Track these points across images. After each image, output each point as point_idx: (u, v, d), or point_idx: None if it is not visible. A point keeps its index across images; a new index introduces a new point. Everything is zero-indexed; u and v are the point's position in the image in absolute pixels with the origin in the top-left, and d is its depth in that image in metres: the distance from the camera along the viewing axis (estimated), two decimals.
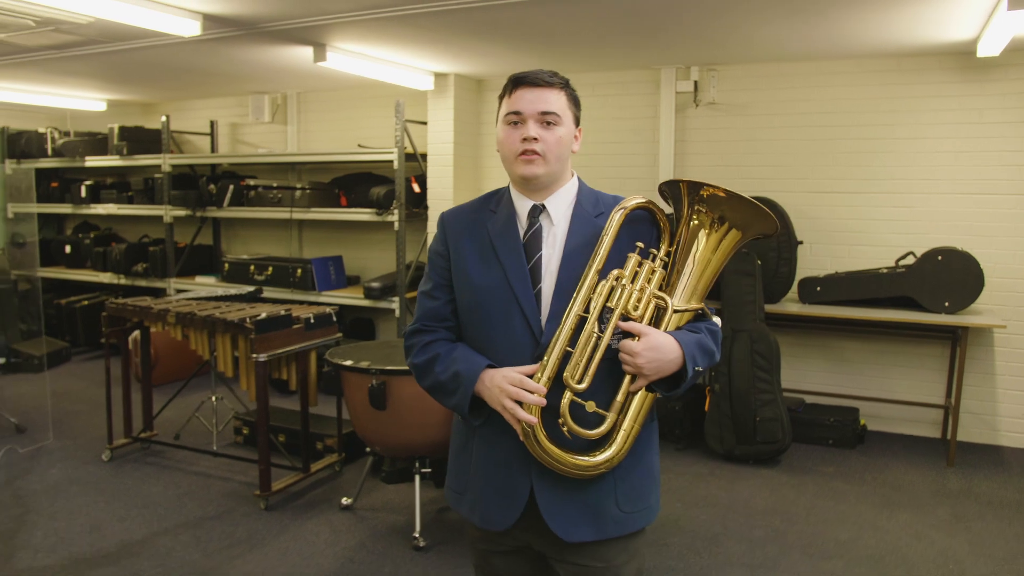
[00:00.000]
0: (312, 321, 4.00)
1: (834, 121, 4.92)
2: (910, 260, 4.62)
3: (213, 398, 4.65)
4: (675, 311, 1.60)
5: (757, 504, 3.89)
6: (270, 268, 5.99)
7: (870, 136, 4.85)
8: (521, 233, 1.68)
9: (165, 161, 6.58)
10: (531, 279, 1.64)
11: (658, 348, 1.52)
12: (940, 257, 4.48)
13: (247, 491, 3.95)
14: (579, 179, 1.75)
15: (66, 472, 4.20)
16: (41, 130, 7.53)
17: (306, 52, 4.65)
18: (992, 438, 4.76)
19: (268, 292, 5.81)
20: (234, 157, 6.66)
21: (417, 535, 3.38)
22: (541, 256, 1.65)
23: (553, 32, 4.27)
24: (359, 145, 5.80)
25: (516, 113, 1.62)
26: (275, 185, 6.13)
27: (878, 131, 4.83)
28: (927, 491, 4.07)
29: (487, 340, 1.67)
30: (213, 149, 7.05)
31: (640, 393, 1.59)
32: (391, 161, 5.42)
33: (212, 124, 7.04)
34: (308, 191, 5.92)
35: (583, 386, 1.55)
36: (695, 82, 5.21)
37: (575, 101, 1.70)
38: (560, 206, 1.69)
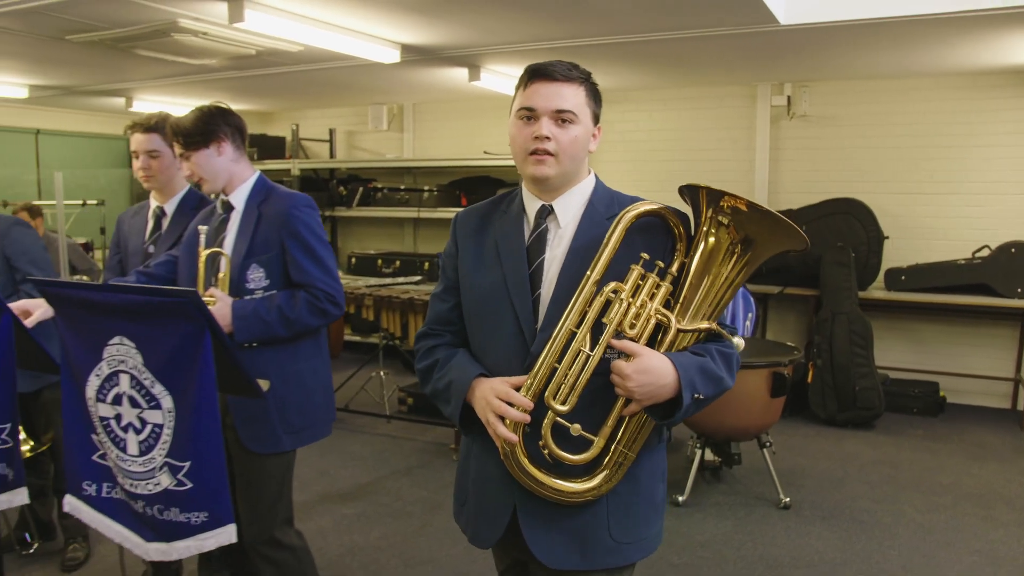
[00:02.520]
0: None
1: (915, 131, 5.63)
2: (985, 252, 5.33)
3: (382, 372, 5.39)
4: (680, 330, 1.49)
5: (866, 456, 4.61)
6: (398, 262, 6.72)
7: (947, 144, 5.56)
8: (527, 235, 1.61)
9: (295, 165, 7.33)
10: (531, 284, 1.56)
11: (650, 371, 1.41)
12: (1013, 250, 5.19)
13: (437, 448, 4.68)
14: (596, 179, 1.65)
15: None
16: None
17: (461, 73, 5.38)
18: None
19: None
20: (360, 162, 7.42)
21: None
22: (544, 260, 1.57)
23: (668, 54, 4.96)
24: (485, 152, 6.53)
25: (529, 108, 1.53)
26: (402, 187, 6.87)
27: (954, 139, 5.54)
28: (1007, 448, 4.78)
29: (483, 346, 1.62)
30: (331, 154, 7.80)
31: (638, 417, 1.49)
32: (513, 166, 6.14)
33: (331, 132, 7.79)
34: (435, 192, 6.66)
35: (565, 408, 1.46)
36: (788, 97, 5.92)
37: (595, 97, 1.59)
38: (570, 208, 1.60)
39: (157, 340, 1.79)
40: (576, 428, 1.47)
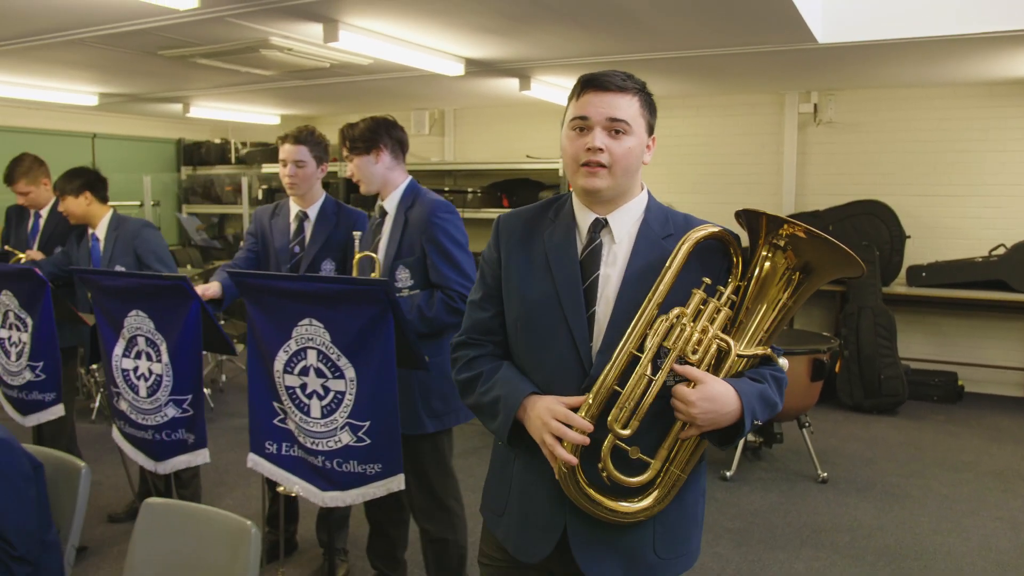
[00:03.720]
0: None
1: (935, 137, 6.01)
2: (1001, 251, 5.70)
3: None
4: (739, 356, 1.49)
5: (892, 439, 5.00)
6: None
7: (965, 149, 5.93)
8: (579, 248, 1.57)
9: (341, 168, 7.72)
10: (585, 300, 1.53)
11: (715, 399, 1.42)
12: None
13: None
14: (649, 194, 1.63)
15: None
16: (216, 141, 8.68)
17: (513, 82, 5.77)
18: None
19: None
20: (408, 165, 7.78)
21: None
22: (598, 276, 1.55)
23: (708, 67, 5.34)
24: (527, 156, 6.92)
25: (582, 119, 1.51)
26: (446, 188, 7.26)
27: (971, 145, 5.91)
28: (1023, 432, 5.16)
29: (533, 361, 1.59)
30: None
31: (693, 439, 1.50)
32: (556, 168, 6.54)
33: None
34: (478, 194, 7.05)
35: (627, 432, 1.45)
36: (815, 104, 6.30)
37: (650, 108, 1.58)
38: (625, 223, 1.57)
39: (344, 321, 2.18)
40: (635, 451, 1.48)
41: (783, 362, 1.58)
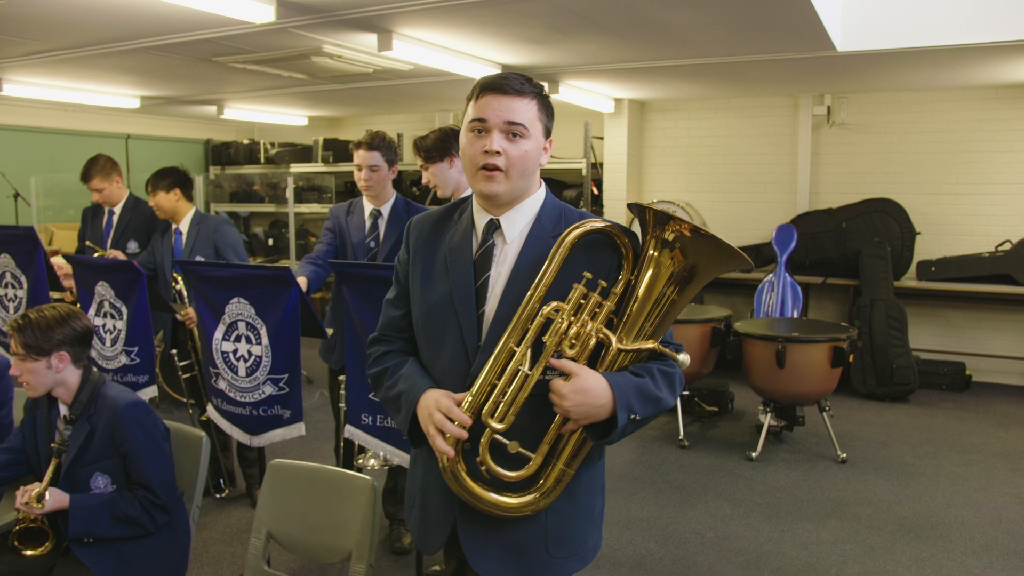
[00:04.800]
0: None
1: (944, 138, 6.29)
2: (1007, 246, 5.99)
3: None
4: (621, 350, 1.50)
5: (904, 424, 5.29)
6: None
7: (973, 150, 6.22)
8: (474, 249, 1.61)
9: None
10: (476, 299, 1.58)
11: (586, 392, 1.43)
12: None
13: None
14: (547, 192, 1.66)
15: None
16: (245, 141, 8.96)
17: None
18: None
19: None
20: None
21: (682, 437, 4.80)
22: (489, 276, 1.59)
23: (729, 73, 5.62)
24: (552, 156, 7.18)
25: (481, 120, 1.54)
26: None
27: (979, 146, 6.20)
28: None
29: (430, 358, 1.64)
30: (400, 157, 8.46)
31: (578, 434, 1.51)
32: (580, 168, 6.82)
33: (399, 136, 8.46)
34: None
35: (502, 426, 1.48)
36: (828, 107, 6.59)
37: (548, 111, 1.61)
38: (517, 223, 1.60)
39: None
40: (514, 445, 1.48)
41: (682, 358, 1.53)
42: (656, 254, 1.52)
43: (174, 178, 3.74)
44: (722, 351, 4.98)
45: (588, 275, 1.50)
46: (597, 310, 1.50)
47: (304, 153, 8.60)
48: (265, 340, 2.78)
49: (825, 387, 4.52)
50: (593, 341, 1.49)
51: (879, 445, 4.84)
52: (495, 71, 5.30)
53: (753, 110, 6.92)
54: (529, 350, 1.49)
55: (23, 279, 3.67)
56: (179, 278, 3.72)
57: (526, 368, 1.48)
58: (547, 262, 1.52)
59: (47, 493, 2.18)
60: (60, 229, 6.84)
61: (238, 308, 2.82)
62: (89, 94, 6.50)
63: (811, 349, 4.40)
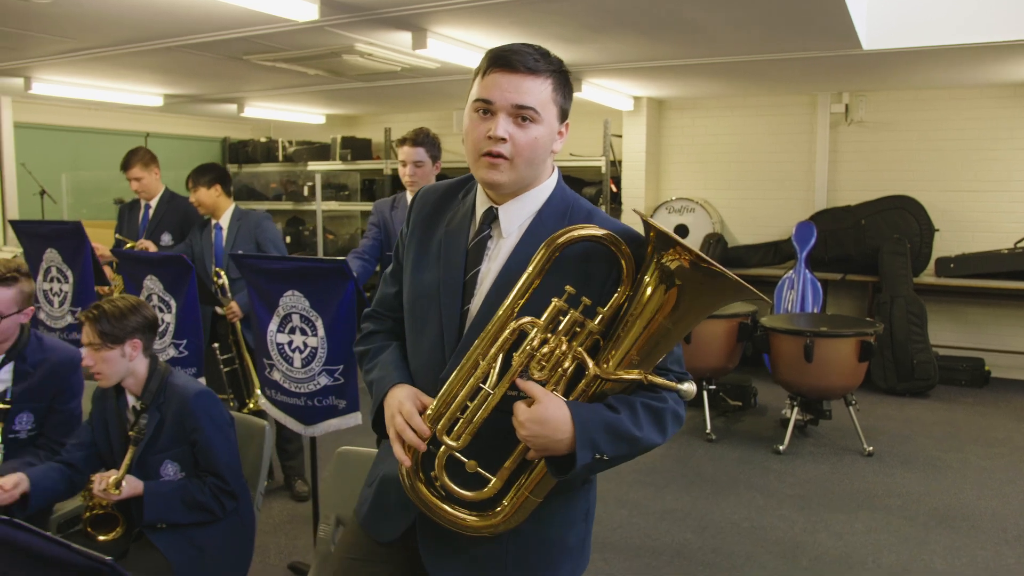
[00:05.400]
0: None
1: (963, 136, 6.35)
2: None
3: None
4: (599, 377, 1.34)
5: (926, 419, 5.35)
6: None
7: (991, 147, 6.28)
8: (470, 237, 1.48)
9: (387, 165, 8.07)
10: (463, 295, 1.45)
11: (546, 422, 1.29)
12: None
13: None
14: (559, 183, 1.50)
15: None
16: (262, 139, 9.02)
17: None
18: None
19: None
20: (446, 163, 8.11)
21: (709, 431, 4.87)
22: (479, 270, 1.46)
23: (752, 71, 5.67)
24: (571, 154, 7.26)
25: (486, 101, 1.37)
26: None
27: (998, 143, 6.26)
28: None
29: (412, 346, 1.54)
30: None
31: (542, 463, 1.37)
32: (600, 166, 6.88)
33: None
34: None
35: (456, 444, 1.35)
36: (846, 105, 6.65)
37: (565, 91, 1.42)
38: (518, 216, 1.46)
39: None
40: (471, 464, 1.37)
41: (686, 388, 1.38)
42: (655, 278, 1.33)
43: (215, 174, 3.80)
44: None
45: (571, 289, 1.33)
46: (578, 329, 1.35)
47: (322, 151, 8.65)
48: (321, 332, 2.83)
49: (852, 381, 4.58)
50: (568, 364, 1.33)
51: (903, 439, 4.90)
52: None
53: (770, 108, 6.98)
54: (498, 363, 1.35)
55: (69, 274, 3.72)
56: (222, 272, 3.78)
57: (488, 386, 1.35)
58: (530, 266, 1.36)
59: (124, 480, 2.24)
60: (89, 226, 6.89)
61: (292, 301, 2.88)
62: (114, 92, 6.56)
63: (839, 343, 4.46)
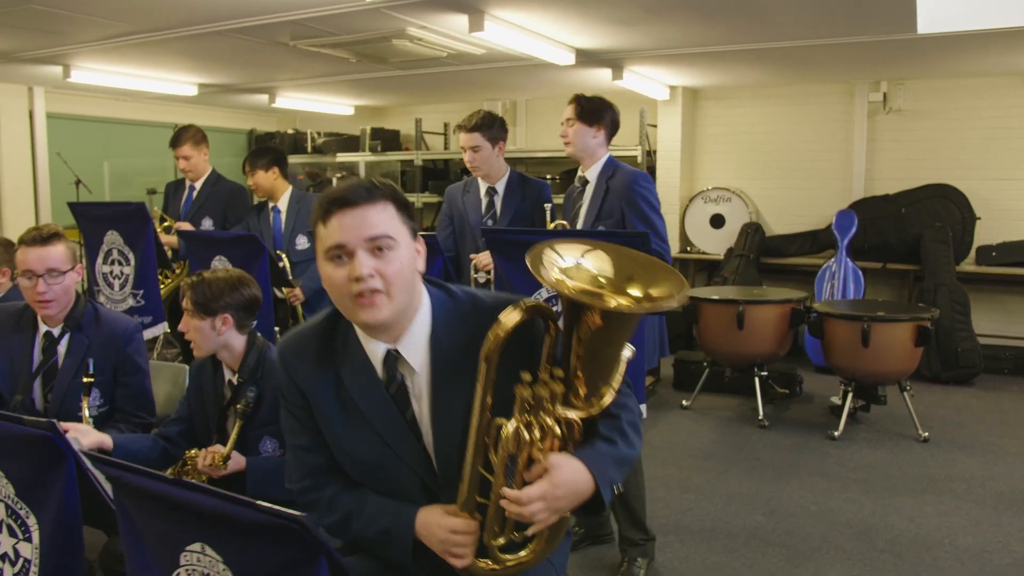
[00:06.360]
0: None
1: (1004, 123, 6.32)
2: None
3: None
4: (590, 416, 1.43)
5: (974, 406, 5.32)
6: None
7: None
8: (383, 384, 1.48)
9: (417, 156, 8.04)
10: (414, 437, 1.49)
11: (566, 484, 1.37)
12: None
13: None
14: (432, 294, 1.51)
15: None
16: (289, 131, 8.99)
17: (606, 73, 6.07)
18: None
19: None
20: None
21: (761, 417, 4.84)
22: (413, 411, 1.49)
23: (795, 58, 5.64)
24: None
25: (339, 246, 1.37)
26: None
27: None
28: None
29: (383, 494, 1.53)
30: (445, 146, 8.50)
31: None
32: (636, 156, 6.84)
33: (445, 125, 8.50)
34: (556, 180, 7.36)
35: (503, 540, 1.45)
36: (884, 93, 6.61)
37: (406, 209, 1.44)
38: (418, 349, 1.47)
39: None
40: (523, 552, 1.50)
41: (625, 353, 1.44)
42: (573, 321, 1.40)
43: (272, 156, 3.77)
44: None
45: (527, 377, 1.38)
46: (550, 396, 1.38)
47: (351, 143, 8.62)
48: None
49: (908, 366, 4.56)
50: (558, 428, 1.40)
51: (955, 425, 4.87)
52: (570, 55, 5.33)
53: (806, 97, 6.95)
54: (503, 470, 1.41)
55: (131, 256, 3.70)
56: (283, 255, 3.75)
57: (505, 492, 1.39)
58: (478, 386, 1.38)
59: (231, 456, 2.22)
60: None
61: None
62: (151, 81, 6.53)
63: (896, 328, 4.44)
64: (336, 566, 1.28)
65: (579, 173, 3.10)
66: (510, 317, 1.38)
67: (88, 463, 1.74)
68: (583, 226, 2.98)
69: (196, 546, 1.40)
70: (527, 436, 1.38)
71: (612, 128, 3.06)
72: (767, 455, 4.35)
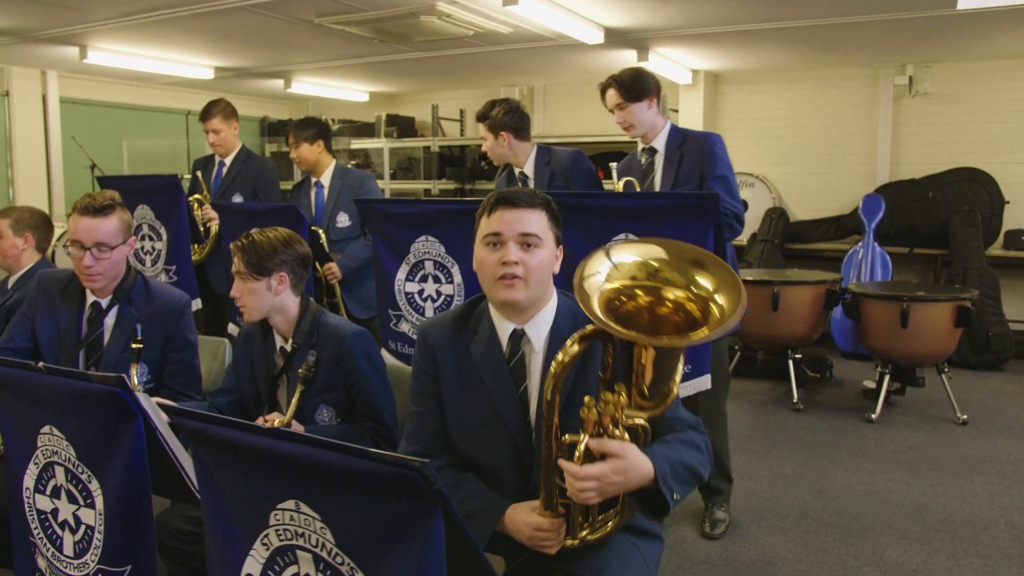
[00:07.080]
0: None
1: None
2: None
3: None
4: (648, 423, 1.51)
5: (1008, 390, 5.25)
6: None
7: None
8: (505, 358, 1.67)
9: (434, 143, 7.95)
10: (520, 408, 1.64)
11: (628, 470, 1.44)
12: None
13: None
14: (560, 297, 1.72)
15: None
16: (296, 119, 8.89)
17: (631, 55, 5.99)
18: None
19: None
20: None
21: (796, 400, 4.77)
22: (527, 386, 1.66)
23: (822, 38, 5.56)
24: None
25: (496, 235, 1.62)
26: None
27: None
28: None
29: (478, 465, 1.70)
30: (462, 132, 8.41)
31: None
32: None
33: (461, 112, 8.41)
34: None
35: (587, 532, 1.58)
36: (910, 76, 6.53)
37: (556, 220, 1.68)
38: (541, 332, 1.67)
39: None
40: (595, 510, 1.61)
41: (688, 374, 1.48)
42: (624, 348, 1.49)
43: (317, 129, 3.68)
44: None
45: (590, 400, 1.47)
46: (617, 401, 1.46)
47: (366, 129, 8.53)
48: (458, 279, 2.73)
49: (947, 347, 4.49)
50: (627, 435, 1.49)
51: (991, 409, 4.80)
52: (599, 34, 5.25)
53: (828, 81, 6.87)
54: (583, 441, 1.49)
55: (162, 231, 3.61)
56: (321, 232, 3.66)
57: (563, 464, 1.48)
58: (544, 389, 1.50)
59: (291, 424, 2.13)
60: None
61: (426, 247, 2.77)
62: (167, 64, 6.44)
63: (936, 308, 4.36)
64: (455, 522, 1.20)
65: (641, 146, 3.03)
66: (571, 350, 1.49)
67: (158, 421, 1.66)
68: (662, 187, 2.93)
69: (289, 503, 1.32)
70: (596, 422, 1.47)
71: (658, 92, 3.00)
72: (806, 437, 4.28)
